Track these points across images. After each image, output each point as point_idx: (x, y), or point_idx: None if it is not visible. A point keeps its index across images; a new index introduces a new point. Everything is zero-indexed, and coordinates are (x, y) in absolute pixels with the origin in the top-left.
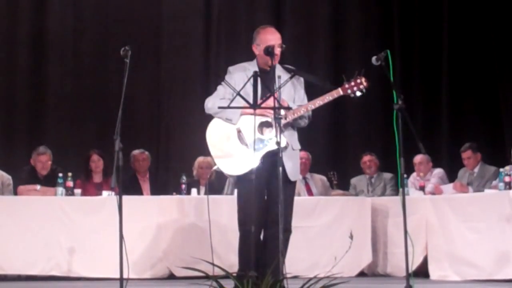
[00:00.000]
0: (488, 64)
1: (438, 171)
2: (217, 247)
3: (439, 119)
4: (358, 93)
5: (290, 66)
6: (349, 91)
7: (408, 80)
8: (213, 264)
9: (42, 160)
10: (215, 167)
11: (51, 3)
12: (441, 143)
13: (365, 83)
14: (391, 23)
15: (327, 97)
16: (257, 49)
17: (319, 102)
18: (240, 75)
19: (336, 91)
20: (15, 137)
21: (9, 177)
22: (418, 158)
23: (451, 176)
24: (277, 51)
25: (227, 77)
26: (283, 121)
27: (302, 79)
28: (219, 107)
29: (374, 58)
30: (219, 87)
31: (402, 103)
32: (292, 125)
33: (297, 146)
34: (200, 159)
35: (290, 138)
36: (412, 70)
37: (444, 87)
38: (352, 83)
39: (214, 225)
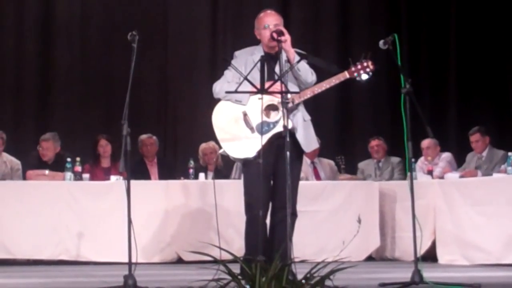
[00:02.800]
0: (496, 47)
1: (446, 155)
2: (224, 232)
3: (447, 103)
4: (365, 76)
5: (298, 50)
6: (355, 74)
7: (415, 64)
8: (220, 248)
9: (44, 146)
10: (220, 151)
11: None
12: (449, 127)
13: (371, 66)
14: (398, 6)
15: (334, 80)
16: (258, 33)
17: (325, 85)
18: (246, 59)
19: (343, 74)
20: (23, 122)
21: (18, 162)
22: (426, 142)
23: (460, 160)
24: (269, 30)
25: (233, 62)
26: (290, 105)
27: (307, 62)
28: (227, 92)
29: (381, 42)
30: (226, 72)
31: (409, 87)
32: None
33: (308, 116)
34: (203, 145)
35: (300, 110)
36: (420, 54)
37: (452, 71)
38: (359, 66)
39: (221, 209)
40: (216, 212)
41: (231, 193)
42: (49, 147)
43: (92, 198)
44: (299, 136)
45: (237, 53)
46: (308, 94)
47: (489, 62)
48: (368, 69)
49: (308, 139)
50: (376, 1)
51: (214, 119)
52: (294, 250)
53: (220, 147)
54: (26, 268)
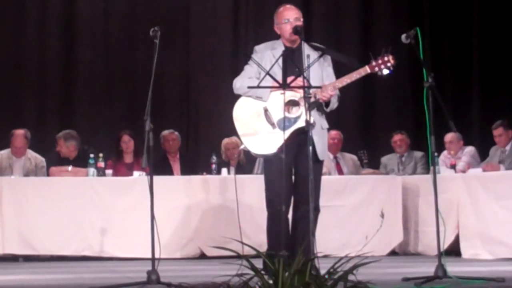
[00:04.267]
0: None
1: (469, 149)
2: (246, 227)
3: (470, 96)
4: (386, 71)
5: (317, 44)
6: (376, 69)
7: (438, 58)
8: (243, 243)
9: (59, 143)
10: (242, 146)
11: None
12: (472, 121)
13: (392, 61)
14: (420, 0)
15: (355, 75)
16: (278, 28)
17: (346, 80)
18: (267, 54)
19: (363, 69)
20: (47, 119)
21: (43, 159)
22: (449, 136)
23: (483, 154)
24: (291, 24)
25: (253, 56)
26: (311, 100)
27: (329, 58)
28: (249, 87)
29: (403, 36)
30: (246, 67)
31: (432, 81)
32: (322, 105)
33: (326, 125)
34: (225, 140)
35: (318, 118)
36: (442, 48)
37: (475, 64)
38: (380, 61)
39: (243, 205)
40: (237, 207)
41: (253, 188)
42: (61, 144)
43: (115, 194)
44: (317, 145)
45: (257, 47)
46: (329, 89)
47: None
48: (389, 64)
49: (324, 148)
50: None
51: (235, 114)
52: (317, 245)
53: (242, 142)
54: (50, 264)
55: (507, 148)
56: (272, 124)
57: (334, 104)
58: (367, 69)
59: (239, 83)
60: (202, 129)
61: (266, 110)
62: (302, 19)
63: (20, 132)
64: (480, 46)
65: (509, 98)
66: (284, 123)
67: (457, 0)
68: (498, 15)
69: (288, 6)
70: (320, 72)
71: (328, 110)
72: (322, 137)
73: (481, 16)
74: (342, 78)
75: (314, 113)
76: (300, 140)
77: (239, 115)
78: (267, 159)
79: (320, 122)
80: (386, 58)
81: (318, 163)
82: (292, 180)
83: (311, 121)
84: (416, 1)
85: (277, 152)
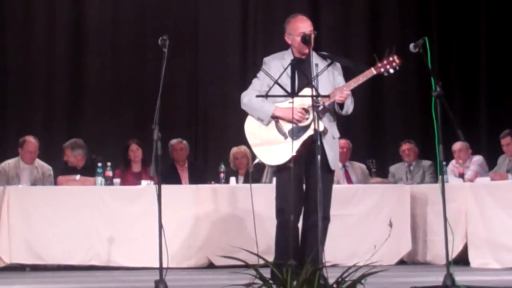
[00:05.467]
0: None
1: (478, 158)
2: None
3: (478, 106)
4: (391, 71)
5: (325, 53)
6: (382, 70)
7: (446, 67)
8: (251, 252)
9: (65, 153)
10: (256, 160)
11: None
12: (480, 130)
13: (397, 61)
14: (428, 10)
15: (361, 78)
16: (289, 39)
17: (353, 84)
18: (276, 64)
19: (369, 71)
20: (55, 128)
21: (50, 167)
22: (457, 145)
23: (491, 163)
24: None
25: (264, 67)
26: (320, 108)
27: (339, 65)
28: (257, 96)
29: (412, 45)
30: (254, 80)
31: (440, 90)
32: (334, 112)
33: (337, 134)
34: (234, 150)
35: (330, 127)
36: (450, 57)
37: (483, 74)
38: (385, 62)
39: (251, 213)
40: (253, 216)
41: (262, 197)
42: (68, 154)
43: (123, 203)
44: (329, 154)
45: (266, 59)
46: (337, 95)
47: None
48: (394, 63)
49: (335, 158)
50: (406, 5)
51: (247, 127)
52: (325, 254)
53: (253, 153)
54: (57, 274)
55: None
56: (284, 134)
57: (349, 107)
58: (373, 71)
59: (246, 99)
60: (211, 138)
61: (277, 121)
62: (315, 31)
63: (33, 138)
64: (488, 55)
65: None
66: (293, 133)
67: (465, 10)
68: (506, 25)
69: (301, 17)
70: (331, 81)
71: (343, 113)
72: (333, 147)
73: (489, 25)
74: (348, 83)
75: (326, 122)
76: (312, 149)
77: (250, 126)
78: (279, 168)
79: (331, 131)
80: (391, 58)
81: (329, 172)
82: (303, 189)
83: (321, 128)
84: (424, 10)
85: (286, 162)
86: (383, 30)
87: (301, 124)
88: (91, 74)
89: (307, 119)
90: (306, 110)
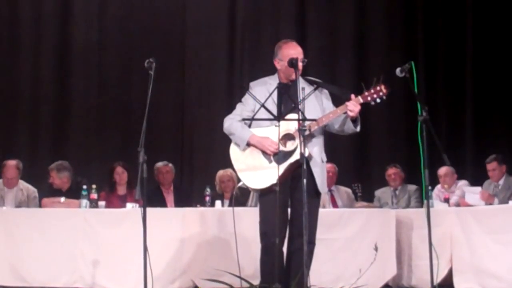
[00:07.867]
0: None
1: (463, 183)
2: (241, 259)
3: (464, 130)
4: (378, 100)
5: (312, 78)
6: (369, 99)
7: (432, 92)
8: (236, 276)
9: (51, 175)
10: (239, 184)
11: (75, 16)
12: (466, 155)
13: (384, 90)
14: (415, 34)
15: (338, 111)
16: (279, 64)
17: (339, 111)
18: (260, 89)
19: (356, 99)
20: (40, 150)
21: (35, 189)
22: (443, 170)
23: None
24: (299, 65)
25: (250, 91)
26: (306, 133)
27: (326, 91)
28: (243, 119)
29: (398, 70)
30: (239, 105)
31: (426, 115)
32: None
33: (325, 158)
34: (220, 172)
35: (318, 151)
36: (436, 82)
37: (469, 99)
38: (372, 91)
39: (237, 237)
40: (235, 240)
41: (248, 221)
42: (53, 176)
43: (108, 226)
44: (317, 178)
45: (252, 84)
46: (324, 121)
47: (506, 91)
48: (381, 93)
49: (323, 181)
50: (393, 29)
51: (232, 151)
52: (311, 278)
53: (238, 178)
54: None
55: (500, 182)
56: (268, 159)
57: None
58: (360, 100)
59: (227, 123)
60: (196, 161)
61: None
62: (305, 59)
63: (12, 163)
64: (474, 80)
65: (503, 133)
66: (279, 158)
67: (451, 34)
68: (493, 50)
69: (292, 43)
70: (316, 105)
71: (358, 128)
72: (322, 170)
73: (475, 49)
74: (335, 110)
75: (314, 146)
76: (297, 174)
77: (235, 153)
78: (263, 191)
79: (320, 155)
80: (378, 88)
81: (316, 197)
82: (288, 213)
83: (306, 153)
84: (411, 35)
85: (271, 186)
86: (370, 55)
87: (286, 149)
88: (77, 96)
89: (286, 147)
90: (290, 136)
